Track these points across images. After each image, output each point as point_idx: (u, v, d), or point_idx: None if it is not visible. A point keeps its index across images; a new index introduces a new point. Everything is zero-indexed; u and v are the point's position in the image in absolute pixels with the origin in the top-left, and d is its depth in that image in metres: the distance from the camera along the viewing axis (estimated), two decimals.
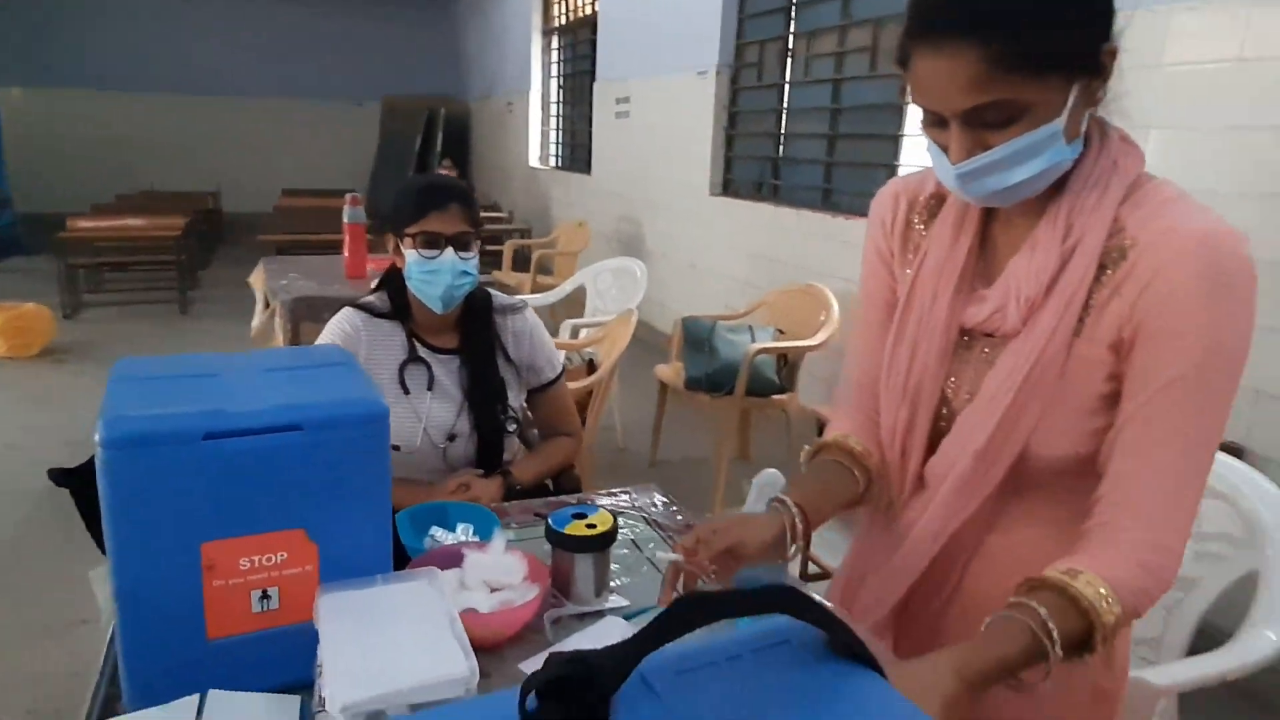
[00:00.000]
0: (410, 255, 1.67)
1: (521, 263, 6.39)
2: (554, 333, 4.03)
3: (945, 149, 0.86)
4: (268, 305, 3.31)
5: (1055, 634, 0.77)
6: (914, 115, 3.79)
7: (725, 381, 3.31)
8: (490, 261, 6.96)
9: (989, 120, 0.81)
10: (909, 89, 0.86)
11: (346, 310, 1.76)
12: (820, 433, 2.79)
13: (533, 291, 5.66)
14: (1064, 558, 0.84)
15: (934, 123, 0.87)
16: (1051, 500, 0.94)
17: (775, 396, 3.41)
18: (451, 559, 1.11)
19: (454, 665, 0.77)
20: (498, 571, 1.09)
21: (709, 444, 3.90)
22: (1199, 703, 1.53)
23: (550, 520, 1.11)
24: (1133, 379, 0.84)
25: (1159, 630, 1.66)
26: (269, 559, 0.89)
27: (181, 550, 0.86)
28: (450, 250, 1.65)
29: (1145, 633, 1.65)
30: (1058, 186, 0.89)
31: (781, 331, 3.63)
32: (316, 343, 1.76)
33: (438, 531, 1.27)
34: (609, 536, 1.11)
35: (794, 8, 4.57)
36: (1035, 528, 0.96)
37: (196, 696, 0.79)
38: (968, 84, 0.79)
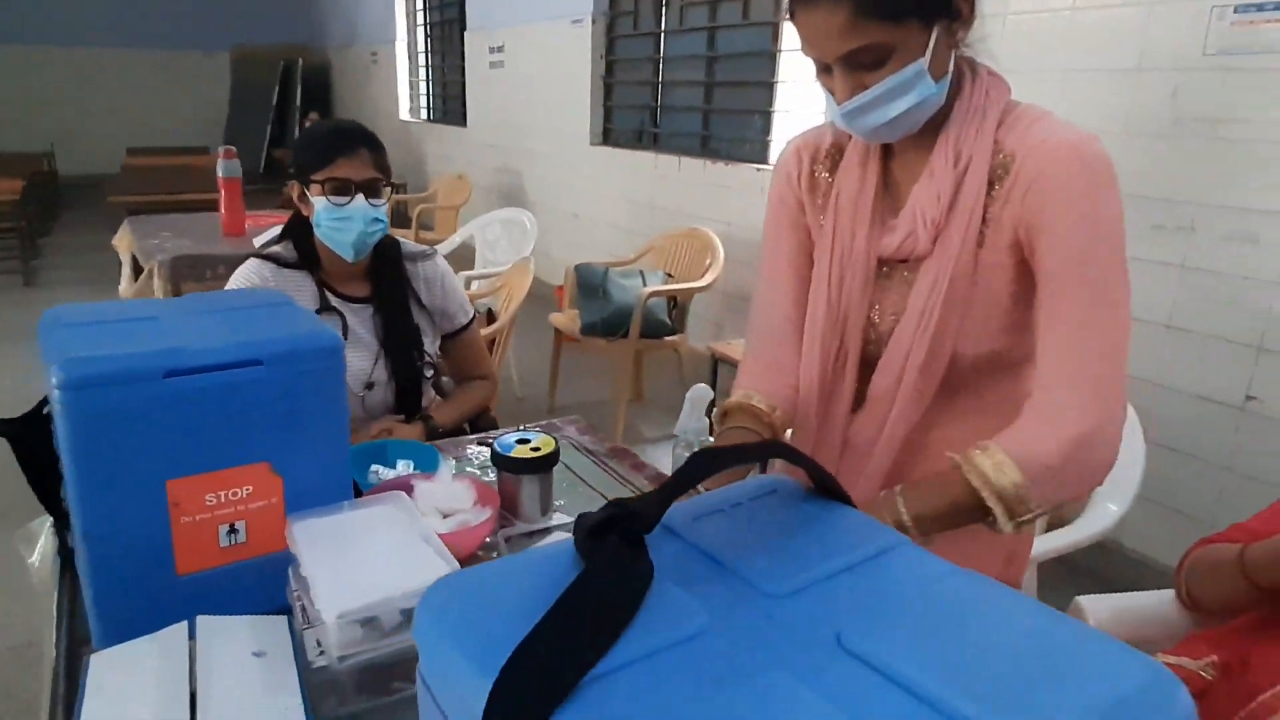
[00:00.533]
0: (319, 203, 1.66)
1: (398, 220, 6.25)
2: None
3: (832, 92, 0.99)
4: (137, 268, 3.14)
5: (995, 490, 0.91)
6: (787, 62, 3.95)
7: (620, 325, 3.40)
8: None
9: (863, 62, 0.95)
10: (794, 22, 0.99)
11: (253, 261, 1.73)
12: (714, 370, 2.94)
13: None
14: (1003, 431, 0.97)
15: (822, 70, 1.00)
16: (977, 395, 1.09)
17: (667, 338, 3.54)
18: (402, 490, 1.16)
19: (440, 569, 0.83)
20: (448, 498, 1.14)
21: (604, 387, 4.00)
22: (1051, 573, 1.76)
23: (496, 445, 1.18)
24: (1039, 267, 0.96)
25: None
26: (235, 493, 0.92)
27: (147, 490, 0.87)
28: (361, 197, 1.65)
29: None
30: (942, 119, 1.02)
31: (670, 275, 3.75)
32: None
33: (380, 469, 1.30)
34: (552, 458, 1.18)
35: None
36: (965, 419, 1.10)
37: (185, 623, 0.82)
38: (839, 32, 0.93)
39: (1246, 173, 2.20)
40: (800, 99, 3.81)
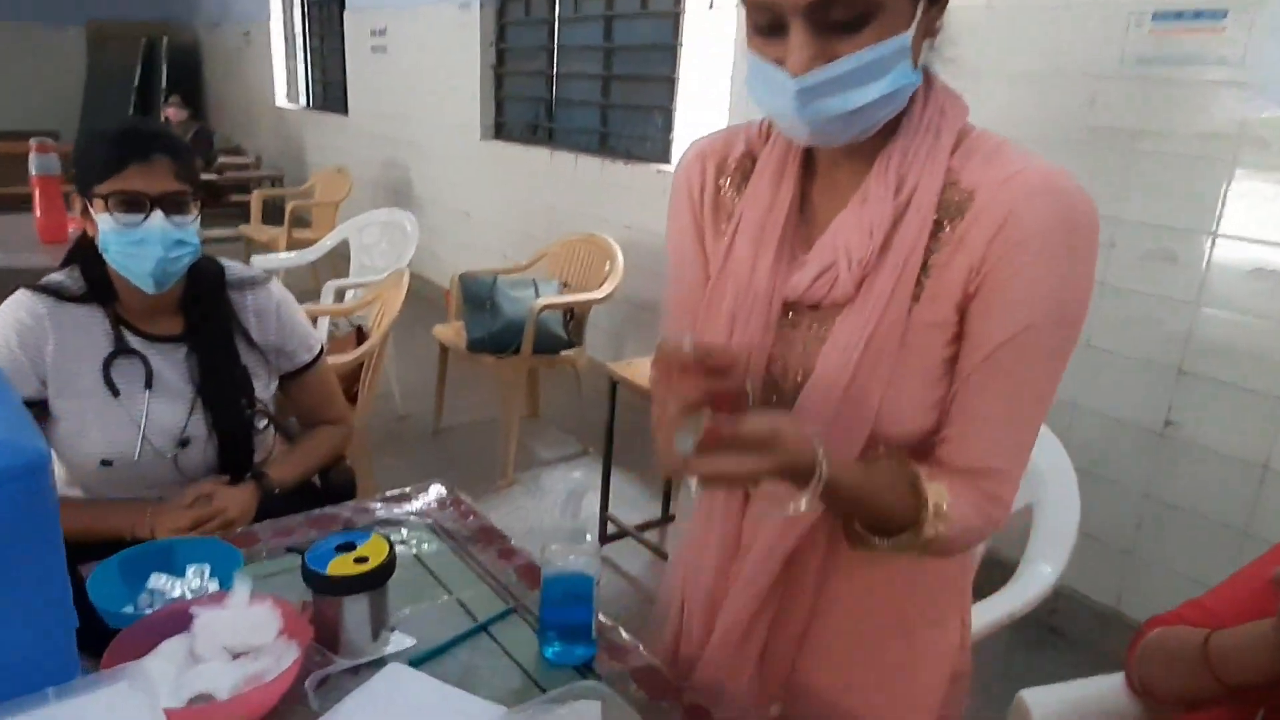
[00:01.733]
0: (105, 222, 1.32)
1: (274, 214, 5.74)
2: (315, 296, 3.63)
3: (781, 63, 0.73)
4: None
5: (928, 495, 0.78)
6: (689, 56, 3.72)
7: (510, 340, 3.11)
8: (238, 214, 6.21)
9: (836, 19, 0.71)
10: None
11: (21, 295, 1.38)
12: (612, 388, 2.69)
13: (289, 247, 5.10)
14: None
15: (768, 30, 0.74)
16: None
17: (564, 352, 3.27)
18: (177, 622, 0.86)
19: None
20: (242, 632, 0.86)
21: (496, 404, 3.70)
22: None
23: (307, 559, 0.89)
24: (980, 326, 0.77)
25: None
26: None
27: None
28: (158, 214, 1.32)
29: None
30: (885, 135, 0.79)
31: (566, 284, 3.48)
32: None
33: (160, 580, 1.00)
34: (385, 570, 0.91)
35: None
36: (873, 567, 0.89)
37: None
38: None
39: (1165, 188, 2.09)
40: (701, 97, 3.59)
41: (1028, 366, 0.77)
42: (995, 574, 1.56)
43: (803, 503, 0.74)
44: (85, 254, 1.41)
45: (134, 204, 1.31)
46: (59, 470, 1.44)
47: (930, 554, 0.80)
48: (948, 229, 0.77)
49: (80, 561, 1.09)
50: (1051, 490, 1.57)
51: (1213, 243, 2.03)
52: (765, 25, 0.73)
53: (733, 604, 0.90)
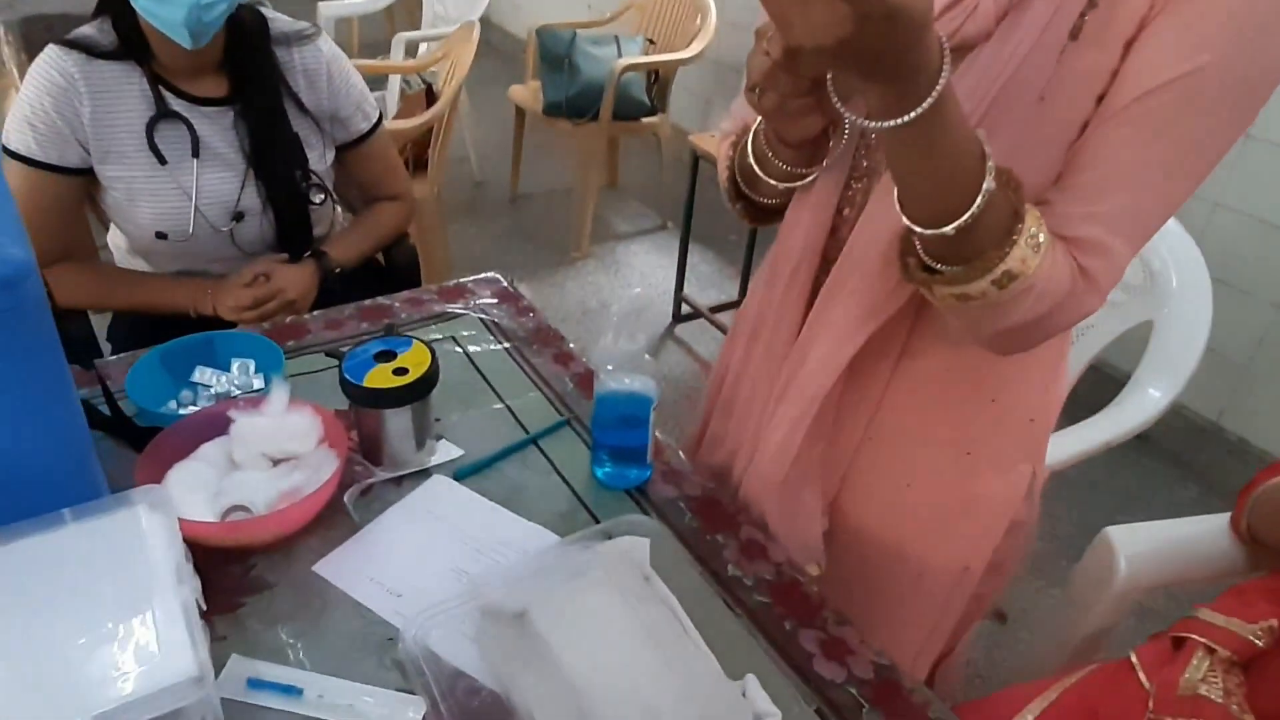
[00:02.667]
0: None
1: None
2: (386, 50, 3.42)
3: None
4: None
5: (990, 182, 0.57)
6: None
7: (589, 105, 2.89)
8: None
9: None
10: None
11: (53, 50, 1.27)
12: (695, 161, 2.51)
13: None
14: None
15: None
16: None
17: (645, 119, 3.04)
18: (215, 425, 0.83)
19: (172, 665, 0.52)
20: (280, 439, 0.82)
21: (574, 171, 3.54)
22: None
23: (344, 369, 0.83)
24: (1138, 62, 0.60)
25: None
26: None
27: None
28: None
29: None
30: None
31: (651, 42, 3.17)
32: (20, 99, 1.29)
33: (204, 373, 0.97)
34: (426, 383, 0.84)
35: None
36: (953, 347, 0.76)
37: None
38: None
39: None
40: None
41: (1183, 120, 0.59)
42: (1098, 390, 1.43)
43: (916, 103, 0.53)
44: (115, 3, 1.27)
45: None
46: (120, 239, 1.41)
47: (1000, 310, 0.62)
48: None
49: (142, 342, 1.08)
50: (1179, 307, 1.39)
51: None
52: None
53: (782, 419, 0.81)
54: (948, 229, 0.58)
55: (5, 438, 0.61)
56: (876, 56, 0.49)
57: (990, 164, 0.57)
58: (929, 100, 0.52)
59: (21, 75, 2.26)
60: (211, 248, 1.36)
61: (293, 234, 1.42)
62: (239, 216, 1.35)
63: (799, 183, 0.77)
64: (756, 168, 0.77)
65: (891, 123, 0.54)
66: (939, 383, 0.79)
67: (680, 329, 2.75)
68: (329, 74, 1.40)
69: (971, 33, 0.63)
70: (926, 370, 0.78)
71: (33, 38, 2.27)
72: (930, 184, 0.58)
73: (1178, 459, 2.23)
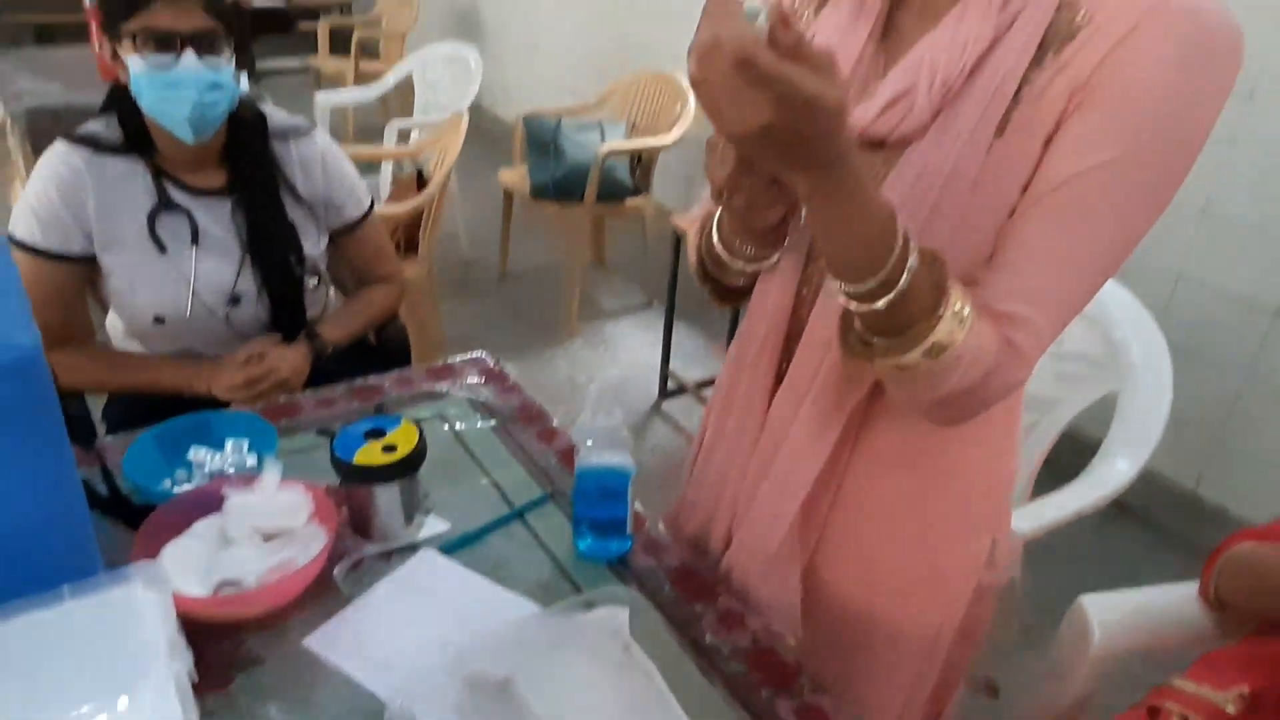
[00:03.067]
0: (135, 64, 1.25)
1: (341, 45, 5.56)
2: (379, 136, 3.54)
3: None
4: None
5: (911, 259, 0.62)
6: None
7: (574, 187, 3.00)
8: (306, 46, 6.03)
9: None
10: None
11: (60, 146, 1.34)
12: (677, 246, 2.59)
13: (356, 81, 4.98)
14: None
15: None
16: None
17: (630, 200, 3.14)
18: (209, 503, 0.86)
19: None
20: (272, 516, 0.85)
21: (562, 250, 3.63)
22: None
23: (335, 447, 0.87)
24: (1058, 154, 0.66)
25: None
26: None
27: None
28: (190, 54, 1.24)
29: None
30: None
31: (634, 126, 3.30)
32: (28, 190, 1.35)
33: (199, 453, 1.00)
34: (413, 460, 0.88)
35: None
36: (909, 420, 0.80)
37: None
38: None
39: None
40: None
41: (1099, 203, 0.64)
42: (1076, 457, 1.47)
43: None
44: (120, 101, 1.35)
45: (164, 43, 1.23)
46: (117, 323, 1.46)
47: (933, 379, 0.66)
48: (1052, 55, 0.65)
49: (137, 422, 1.11)
50: (1141, 378, 1.44)
51: None
52: None
53: (767, 497, 0.85)
54: (879, 304, 0.62)
55: (10, 516, 0.64)
56: (801, 142, 0.54)
57: (913, 244, 0.62)
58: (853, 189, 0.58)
59: (26, 165, 2.34)
60: (207, 331, 1.40)
61: (287, 316, 1.46)
62: (235, 300, 1.40)
63: (763, 264, 0.82)
64: (722, 254, 0.83)
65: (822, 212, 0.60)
66: (897, 455, 0.83)
67: (667, 404, 2.80)
68: (324, 165, 1.47)
69: (909, 129, 0.70)
70: (885, 442, 0.82)
71: (38, 129, 2.35)
72: (852, 255, 0.62)
73: (1160, 527, 2.26)
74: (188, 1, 1.23)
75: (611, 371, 2.81)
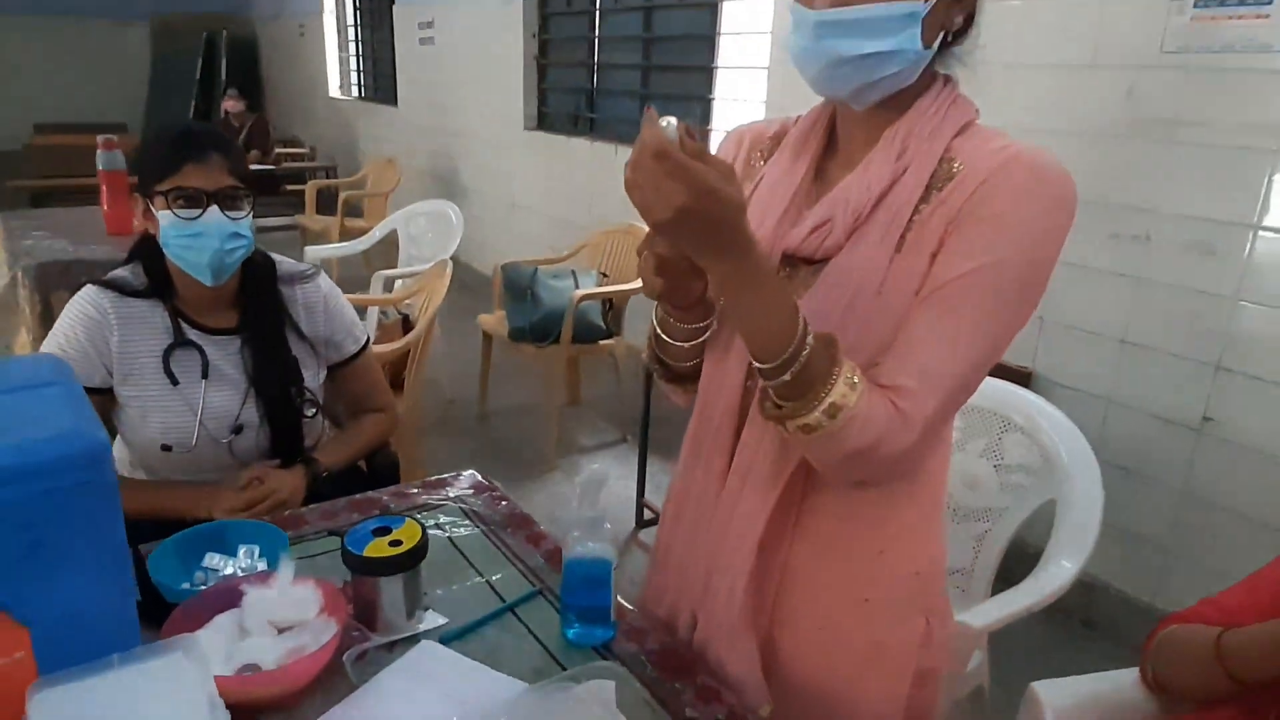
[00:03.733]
0: (165, 218, 1.41)
1: (328, 204, 5.90)
2: (365, 286, 3.74)
3: (809, 6, 0.84)
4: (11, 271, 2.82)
5: (809, 338, 0.78)
6: (727, 46, 3.72)
7: (550, 330, 3.18)
8: (294, 204, 6.39)
9: None
10: None
11: (89, 290, 1.48)
12: (648, 376, 2.74)
13: (341, 237, 5.25)
14: None
15: None
16: None
17: (602, 341, 3.33)
18: (228, 599, 0.94)
19: None
20: (286, 609, 0.93)
21: (539, 390, 3.78)
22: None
23: (346, 542, 0.96)
24: (940, 266, 0.84)
25: (970, 560, 1.74)
26: None
27: None
28: (215, 209, 1.40)
29: (956, 563, 1.73)
30: (898, 112, 0.88)
31: (605, 275, 3.54)
32: (55, 329, 1.47)
33: (214, 559, 1.08)
34: (417, 553, 0.98)
35: None
36: (843, 500, 0.94)
37: None
38: None
39: (1205, 179, 2.06)
40: (740, 86, 3.60)
41: (969, 301, 0.81)
42: (1023, 565, 1.58)
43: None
44: (147, 251, 1.50)
45: (193, 200, 1.40)
46: (124, 452, 1.55)
47: (834, 439, 0.79)
48: (937, 193, 0.85)
49: (143, 540, 1.19)
50: (1075, 484, 1.58)
51: (1254, 236, 2.00)
52: None
53: (725, 570, 0.96)
54: (786, 375, 0.78)
55: (70, 590, 0.73)
56: (709, 227, 0.71)
57: (811, 328, 0.78)
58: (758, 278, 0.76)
59: (34, 316, 2.47)
60: (210, 457, 1.50)
61: (286, 444, 1.57)
62: (238, 429, 1.51)
63: (699, 339, 0.98)
64: (663, 335, 0.99)
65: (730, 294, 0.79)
66: (833, 533, 0.95)
67: (643, 534, 2.87)
68: (325, 306, 1.62)
69: (830, 247, 0.89)
70: (823, 522, 0.95)
71: (46, 281, 2.50)
72: (761, 336, 0.79)
73: (1119, 639, 2.34)
74: (214, 164, 1.41)
75: (587, 467, 2.88)
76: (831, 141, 0.96)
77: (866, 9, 0.81)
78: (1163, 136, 2.12)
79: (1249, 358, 2.04)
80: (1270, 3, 1.90)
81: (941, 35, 0.86)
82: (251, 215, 1.47)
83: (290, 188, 6.82)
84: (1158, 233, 2.16)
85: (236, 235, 1.43)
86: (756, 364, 0.81)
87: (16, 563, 0.70)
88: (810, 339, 0.78)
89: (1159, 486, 2.25)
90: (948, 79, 0.90)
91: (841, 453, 0.82)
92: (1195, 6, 2.02)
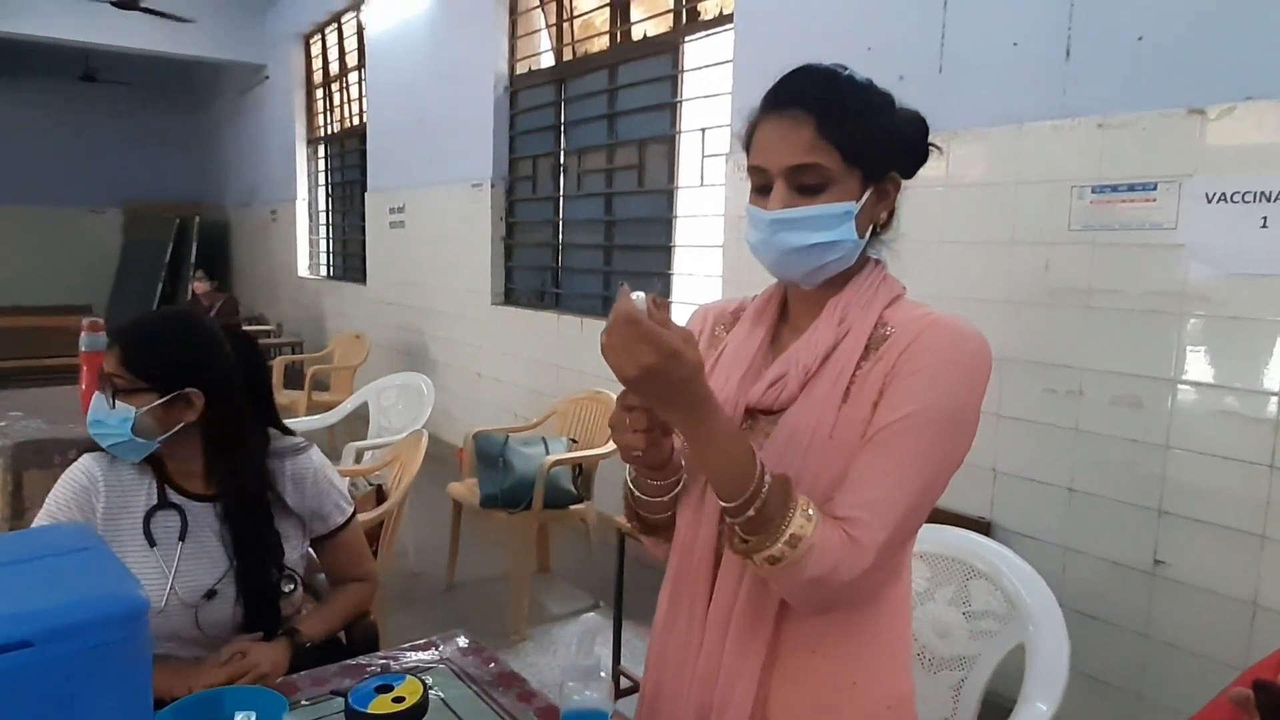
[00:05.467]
0: None
1: (295, 379, 5.99)
2: (335, 457, 3.77)
3: (764, 208, 1.01)
4: None
5: (767, 478, 0.90)
6: (683, 228, 4.04)
7: (522, 497, 3.23)
8: None
9: (805, 183, 0.99)
10: (749, 153, 1.04)
11: (87, 456, 1.54)
12: (621, 541, 2.79)
13: (309, 411, 5.29)
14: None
15: (761, 190, 1.03)
16: None
17: (573, 507, 3.37)
18: None
19: None
20: None
21: (508, 558, 3.75)
22: None
23: (350, 700, 0.99)
24: (880, 413, 0.97)
25: (949, 710, 1.76)
26: None
27: None
28: (108, 392, 1.48)
29: (937, 714, 1.75)
30: (838, 288, 1.05)
31: (574, 441, 3.63)
32: (49, 497, 1.51)
33: None
34: (420, 708, 1.01)
35: (563, 127, 4.77)
36: (816, 634, 1.01)
37: None
38: (798, 144, 0.98)
39: (1123, 339, 2.28)
40: (698, 262, 3.88)
41: (906, 442, 0.94)
42: (996, 715, 1.61)
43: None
44: None
45: (103, 379, 1.49)
46: None
47: (796, 567, 0.89)
48: (874, 353, 1.00)
49: None
50: (1041, 628, 1.65)
51: (1174, 390, 2.19)
52: (759, 186, 1.03)
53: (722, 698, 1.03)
54: (749, 512, 0.89)
55: None
56: (672, 384, 0.85)
57: (769, 470, 0.91)
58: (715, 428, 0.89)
59: (3, 496, 2.46)
60: (176, 625, 1.48)
61: (261, 618, 1.57)
62: (210, 595, 1.51)
63: (671, 494, 1.08)
64: (637, 492, 1.11)
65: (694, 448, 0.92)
66: (806, 666, 1.02)
67: (621, 704, 2.80)
68: (315, 479, 1.67)
69: (784, 399, 1.03)
70: (796, 654, 1.02)
71: (22, 461, 2.51)
72: (723, 480, 0.91)
73: None
74: (113, 353, 1.49)
75: (581, 617, 2.81)
76: (784, 314, 1.13)
77: (810, 209, 0.99)
78: (1079, 303, 2.35)
79: (1188, 502, 2.18)
80: (1155, 188, 2.18)
81: (871, 227, 1.05)
82: (132, 417, 1.45)
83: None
84: (1088, 387, 2.35)
85: (99, 423, 1.47)
86: (722, 503, 0.92)
87: (51, 718, 0.73)
88: (768, 478, 0.90)
89: (1121, 631, 2.32)
90: (878, 261, 1.09)
91: (802, 580, 0.91)
92: (1093, 192, 2.30)
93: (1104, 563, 2.35)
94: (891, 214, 1.07)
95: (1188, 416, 2.17)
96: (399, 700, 0.99)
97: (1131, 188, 2.22)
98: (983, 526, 2.54)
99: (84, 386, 3.02)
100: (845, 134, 0.97)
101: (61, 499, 1.48)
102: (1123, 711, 2.33)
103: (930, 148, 1.06)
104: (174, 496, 1.53)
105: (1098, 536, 2.36)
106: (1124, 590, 2.31)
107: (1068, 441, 2.40)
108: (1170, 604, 2.22)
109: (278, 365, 6.01)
